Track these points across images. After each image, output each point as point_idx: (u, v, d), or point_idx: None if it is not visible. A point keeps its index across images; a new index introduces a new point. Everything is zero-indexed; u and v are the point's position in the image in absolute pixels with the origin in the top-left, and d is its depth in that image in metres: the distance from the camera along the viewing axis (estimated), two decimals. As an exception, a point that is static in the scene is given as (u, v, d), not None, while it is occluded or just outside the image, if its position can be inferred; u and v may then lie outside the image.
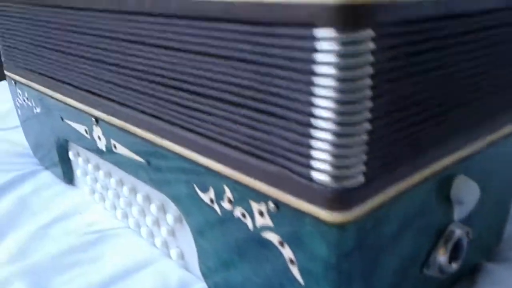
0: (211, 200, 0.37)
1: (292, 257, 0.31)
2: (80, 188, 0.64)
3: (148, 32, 0.37)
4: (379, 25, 0.25)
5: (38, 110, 0.64)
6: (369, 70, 0.25)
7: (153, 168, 0.43)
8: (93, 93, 0.48)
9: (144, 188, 0.49)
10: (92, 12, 0.44)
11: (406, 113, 0.29)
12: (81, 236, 0.52)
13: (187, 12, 0.32)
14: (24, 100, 0.68)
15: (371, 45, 0.25)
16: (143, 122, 0.42)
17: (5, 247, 0.51)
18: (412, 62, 0.28)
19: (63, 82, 0.54)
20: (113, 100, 0.45)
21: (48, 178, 0.69)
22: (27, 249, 0.50)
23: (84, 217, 0.57)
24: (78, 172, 0.62)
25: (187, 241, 0.44)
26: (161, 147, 0.40)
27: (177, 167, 0.39)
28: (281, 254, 0.32)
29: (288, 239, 0.31)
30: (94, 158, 0.57)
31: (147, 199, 0.49)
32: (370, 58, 0.25)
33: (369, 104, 0.26)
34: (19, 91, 0.68)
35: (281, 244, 0.31)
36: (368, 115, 0.26)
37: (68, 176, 0.66)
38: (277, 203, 0.30)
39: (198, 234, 0.41)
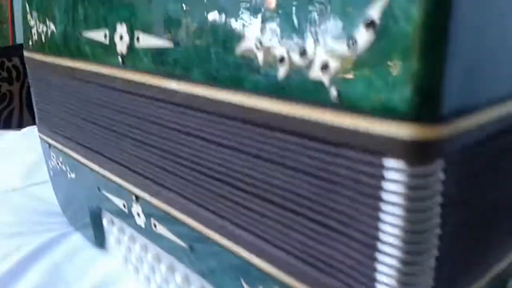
0: (260, 298, 0.36)
1: None
2: (112, 254, 0.64)
3: (198, 126, 0.38)
4: (449, 155, 0.25)
5: (73, 175, 0.64)
6: (438, 199, 0.25)
7: (196, 255, 0.43)
8: (135, 171, 0.49)
9: (183, 269, 0.48)
10: (138, 97, 0.44)
11: (472, 232, 0.29)
12: (118, 314, 0.52)
13: (242, 115, 0.33)
14: (58, 164, 0.68)
15: (441, 175, 0.25)
16: (189, 210, 0.42)
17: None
18: (480, 180, 0.28)
19: (102, 155, 0.54)
20: (156, 182, 0.45)
21: (79, 241, 0.69)
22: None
23: (118, 288, 0.57)
24: (111, 239, 0.62)
25: (229, 329, 0.44)
26: (208, 237, 0.40)
27: (224, 259, 0.39)
28: None
29: None
30: (130, 229, 0.57)
31: (186, 280, 0.48)
32: (440, 187, 0.25)
33: (437, 231, 0.26)
34: (52, 154, 0.69)
35: None
36: (436, 242, 0.26)
37: (100, 241, 0.66)
38: (336, 317, 0.30)
39: (243, 325, 0.41)
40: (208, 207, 0.39)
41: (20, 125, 1.55)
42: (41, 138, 0.72)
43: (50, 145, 0.69)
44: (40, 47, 0.62)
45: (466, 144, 0.26)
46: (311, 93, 0.27)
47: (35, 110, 0.71)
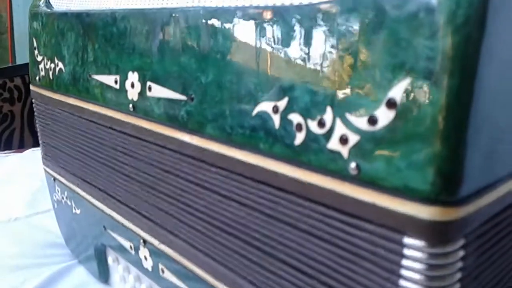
0: None
1: None
2: (117, 290, 0.64)
3: (211, 180, 0.38)
4: (469, 232, 0.25)
5: (77, 211, 0.64)
6: (458, 275, 0.25)
7: (206, 304, 0.43)
8: (143, 215, 0.48)
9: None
10: (148, 144, 0.44)
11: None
12: None
13: (257, 176, 0.33)
14: (63, 198, 0.68)
15: (461, 253, 0.25)
16: (199, 260, 0.41)
17: None
18: (499, 246, 0.28)
19: (109, 195, 0.54)
20: (165, 229, 0.45)
21: (83, 275, 0.68)
22: None
23: (123, 329, 0.56)
24: (116, 277, 0.62)
25: None
26: (218, 290, 0.40)
27: (234, 312, 0.39)
28: None
29: None
30: (136, 269, 0.56)
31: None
32: (460, 264, 0.25)
33: (456, 306, 0.26)
34: (58, 188, 0.69)
35: None
36: (455, 317, 0.26)
37: (104, 276, 0.65)
38: None
39: None
40: (219, 259, 0.39)
41: (21, 146, 1.55)
42: (46, 171, 0.72)
43: (55, 178, 0.68)
44: (48, 83, 0.62)
45: (486, 218, 0.26)
46: (329, 163, 0.27)
47: (40, 142, 0.71)
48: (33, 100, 0.69)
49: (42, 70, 0.63)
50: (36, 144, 1.58)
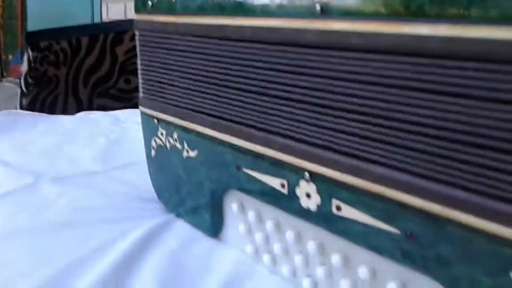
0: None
1: None
2: (233, 244, 0.56)
3: (452, 79, 0.30)
4: None
5: (192, 154, 0.57)
6: None
7: (416, 242, 0.35)
8: (312, 143, 0.41)
9: (365, 258, 0.40)
10: (336, 52, 0.37)
11: None
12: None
13: None
14: (168, 141, 0.61)
15: None
16: (411, 186, 0.34)
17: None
18: None
19: (254, 127, 0.47)
20: (355, 156, 0.38)
21: (188, 230, 0.61)
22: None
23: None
24: (240, 228, 0.54)
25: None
26: (445, 219, 0.32)
27: (473, 246, 0.31)
28: None
29: None
30: (272, 214, 0.49)
31: (374, 276, 0.40)
32: None
33: None
34: (162, 130, 0.61)
35: None
36: None
37: (216, 229, 0.58)
38: None
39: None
40: (451, 180, 0.32)
41: (64, 112, 1.48)
42: (144, 114, 0.64)
43: (159, 120, 0.61)
44: (167, 6, 0.54)
45: None
46: None
47: (140, 82, 0.64)
48: (136, 33, 0.62)
49: (157, -8, 0.55)
50: (79, 111, 1.51)
